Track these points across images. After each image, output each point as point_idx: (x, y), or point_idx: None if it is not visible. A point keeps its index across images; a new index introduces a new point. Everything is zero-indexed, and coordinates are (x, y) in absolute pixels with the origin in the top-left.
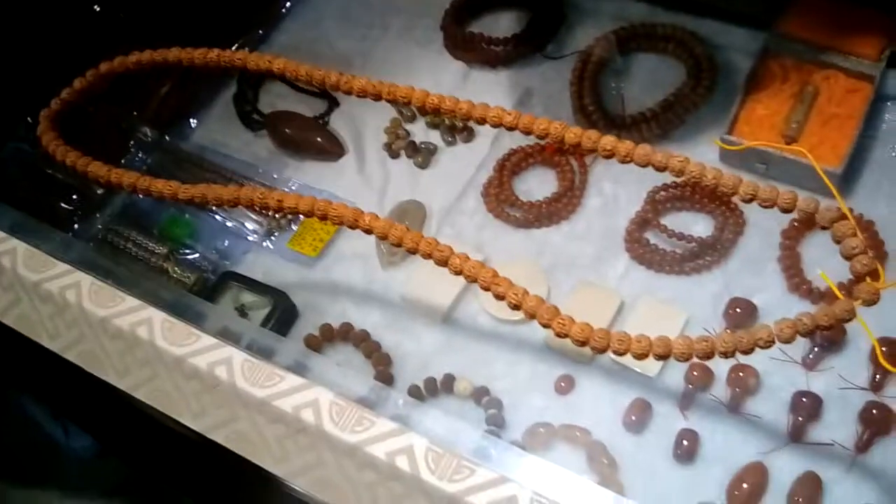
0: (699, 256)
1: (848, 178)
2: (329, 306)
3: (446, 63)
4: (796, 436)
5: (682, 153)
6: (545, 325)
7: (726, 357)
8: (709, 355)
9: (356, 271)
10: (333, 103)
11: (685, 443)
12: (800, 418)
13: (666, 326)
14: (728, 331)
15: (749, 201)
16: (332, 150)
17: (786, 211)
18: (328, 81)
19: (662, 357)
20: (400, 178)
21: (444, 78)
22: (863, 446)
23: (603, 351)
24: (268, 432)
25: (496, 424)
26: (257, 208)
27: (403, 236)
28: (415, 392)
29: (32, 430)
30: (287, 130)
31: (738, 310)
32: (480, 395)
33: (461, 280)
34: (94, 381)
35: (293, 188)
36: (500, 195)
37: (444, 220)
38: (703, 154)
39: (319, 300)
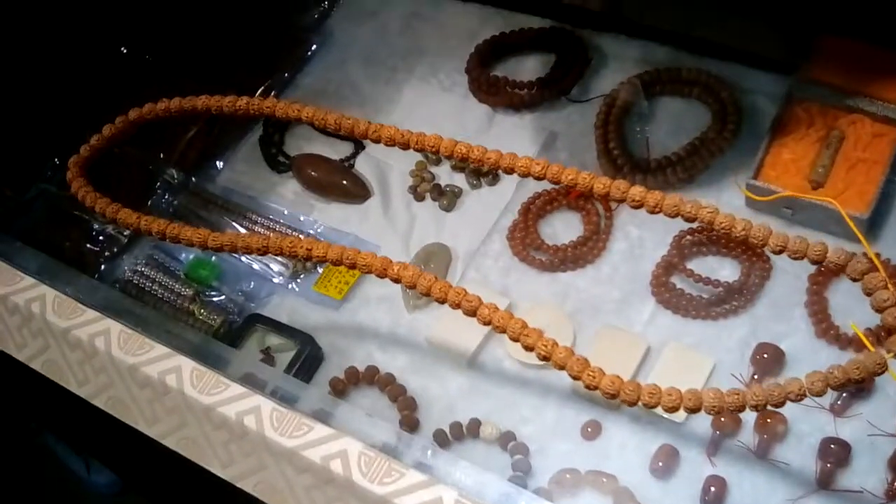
0: (726, 301)
1: (875, 224)
2: (354, 349)
3: (471, 106)
4: (825, 483)
5: (707, 198)
6: (575, 378)
7: (757, 410)
8: (740, 409)
9: (382, 314)
10: (359, 146)
11: (713, 489)
12: (828, 465)
13: (693, 372)
14: (756, 379)
15: (779, 253)
16: (357, 192)
17: (816, 263)
18: (357, 130)
19: (693, 410)
20: (425, 221)
21: (469, 121)
22: (893, 494)
23: (633, 404)
24: (296, 482)
25: (522, 470)
26: (286, 256)
27: (432, 286)
28: (440, 437)
29: (55, 465)
30: (313, 173)
31: (765, 355)
32: (506, 440)
33: None
34: (116, 419)
35: (319, 230)
36: (525, 239)
37: (469, 263)
38: (728, 198)
39: (345, 343)
